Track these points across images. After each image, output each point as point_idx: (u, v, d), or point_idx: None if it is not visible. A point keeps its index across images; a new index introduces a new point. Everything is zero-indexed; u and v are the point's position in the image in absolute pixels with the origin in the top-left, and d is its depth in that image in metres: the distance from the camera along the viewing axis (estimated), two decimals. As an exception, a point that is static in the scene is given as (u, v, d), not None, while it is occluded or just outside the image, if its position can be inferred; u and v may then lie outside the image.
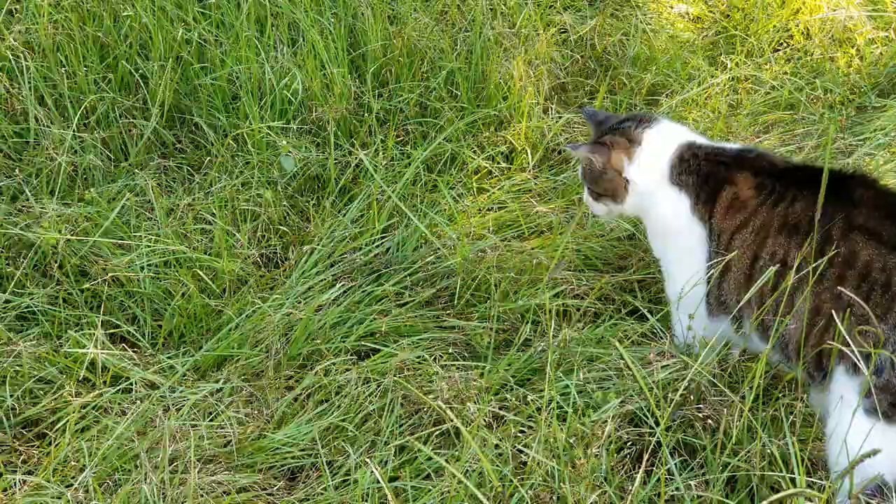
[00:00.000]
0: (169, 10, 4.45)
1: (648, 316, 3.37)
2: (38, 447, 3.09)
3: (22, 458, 3.05)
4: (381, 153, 4.17)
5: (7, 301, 3.47)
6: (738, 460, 2.82)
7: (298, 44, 4.54)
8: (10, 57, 4.15)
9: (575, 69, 4.89)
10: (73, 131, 4.02)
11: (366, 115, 4.35)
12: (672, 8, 5.41)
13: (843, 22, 5.27)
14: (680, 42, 5.14)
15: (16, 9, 4.43)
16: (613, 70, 4.89)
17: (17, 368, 3.22)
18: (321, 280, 3.66)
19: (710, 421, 2.96)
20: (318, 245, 3.78)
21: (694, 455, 2.97)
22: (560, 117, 4.53)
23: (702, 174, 3.21)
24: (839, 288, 2.81)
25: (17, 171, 3.92)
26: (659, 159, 3.30)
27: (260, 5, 4.57)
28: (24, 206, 3.77)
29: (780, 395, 3.07)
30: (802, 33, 5.29)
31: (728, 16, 5.42)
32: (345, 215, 3.93)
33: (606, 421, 2.91)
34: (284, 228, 3.91)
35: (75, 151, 4.02)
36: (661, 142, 3.33)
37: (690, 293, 3.17)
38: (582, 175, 3.47)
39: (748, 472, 2.81)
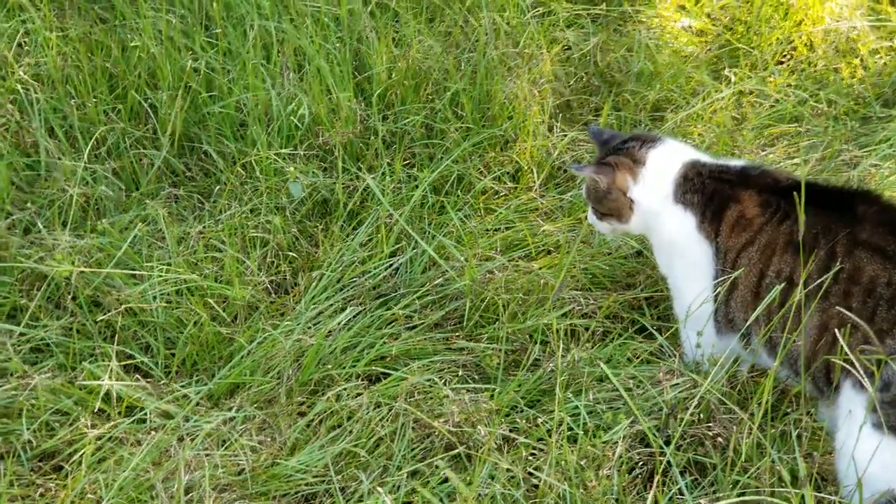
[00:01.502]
0: (176, 39, 4.49)
1: (657, 335, 3.39)
2: (55, 480, 3.12)
3: (39, 491, 3.07)
4: (388, 176, 4.21)
5: (22, 334, 3.51)
6: (748, 477, 2.84)
7: (304, 69, 4.58)
8: (20, 90, 4.19)
9: (579, 87, 4.92)
10: (84, 162, 4.06)
11: (372, 138, 4.38)
12: (675, 22, 5.43)
13: (846, 33, 5.28)
14: (683, 56, 5.17)
15: (24, 41, 4.48)
16: (618, 86, 4.91)
17: (33, 401, 3.26)
18: (331, 305, 3.70)
19: (719, 438, 2.99)
20: (327, 270, 3.81)
21: (704, 473, 2.99)
22: (565, 135, 4.56)
23: (707, 192, 3.25)
24: (838, 308, 2.84)
25: (29, 203, 3.96)
26: (663, 179, 3.33)
27: (266, 33, 4.62)
28: (36, 239, 3.81)
29: (789, 411, 3.09)
30: (806, 45, 5.30)
31: (731, 29, 5.44)
32: (353, 239, 3.96)
33: (617, 442, 2.94)
34: (293, 254, 3.94)
35: (87, 182, 4.06)
36: (666, 161, 3.36)
37: (699, 310, 3.20)
38: (586, 194, 3.51)
39: (758, 489, 2.83)
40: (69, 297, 3.61)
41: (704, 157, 3.39)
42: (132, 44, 4.42)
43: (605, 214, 3.47)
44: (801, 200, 2.82)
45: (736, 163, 3.39)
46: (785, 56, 5.31)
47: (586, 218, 3.64)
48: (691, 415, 3.02)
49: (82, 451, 3.11)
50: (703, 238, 3.23)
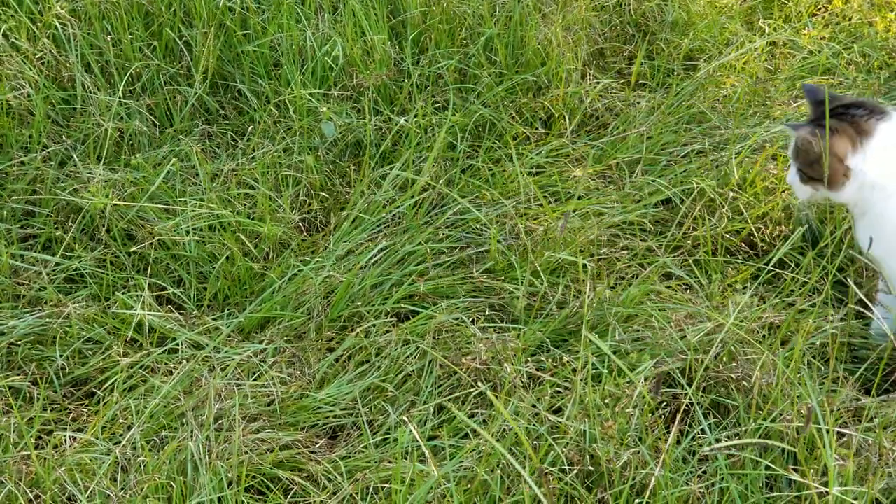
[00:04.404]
0: (212, -23, 4.51)
1: (685, 277, 3.40)
2: (87, 405, 3.18)
3: (72, 415, 3.14)
4: (420, 119, 4.22)
5: (57, 264, 3.56)
6: (772, 421, 2.87)
7: (339, 11, 4.59)
8: (58, 25, 4.23)
9: (613, 34, 4.92)
10: (119, 98, 4.10)
11: (405, 81, 4.40)
12: (711, -27, 5.41)
13: (882, -14, 5.26)
14: (718, 7, 5.15)
15: (62, -23, 4.51)
16: (651, 35, 4.91)
17: (67, 329, 3.31)
18: (361, 245, 3.72)
19: (743, 382, 3.01)
20: (357, 210, 3.83)
21: (727, 415, 3.02)
22: (598, 83, 4.56)
23: None
24: None
25: (64, 136, 4.01)
26: (893, 155, 3.22)
27: (301, -28, 4.63)
28: (72, 172, 3.86)
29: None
30: (841, -2, 5.29)
31: (767, -20, 5.42)
32: (385, 180, 3.98)
33: (640, 381, 2.96)
34: (325, 193, 3.97)
35: (121, 118, 4.10)
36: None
37: None
38: (794, 154, 3.34)
39: (781, 432, 2.85)
40: (103, 229, 3.66)
41: None
42: (168, -19, 4.44)
43: (812, 178, 3.29)
44: None
45: None
46: (819, 9, 5.29)
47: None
48: (716, 357, 3.05)
49: (114, 379, 3.16)
50: None
